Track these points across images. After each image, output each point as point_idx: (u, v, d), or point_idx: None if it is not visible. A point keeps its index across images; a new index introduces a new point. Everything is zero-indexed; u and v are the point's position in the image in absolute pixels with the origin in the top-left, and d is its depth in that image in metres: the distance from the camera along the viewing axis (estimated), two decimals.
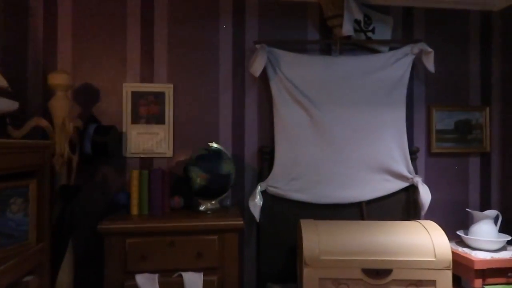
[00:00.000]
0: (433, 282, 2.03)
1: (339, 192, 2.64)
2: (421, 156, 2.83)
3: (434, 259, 2.04)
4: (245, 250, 2.68)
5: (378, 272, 2.04)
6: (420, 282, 2.04)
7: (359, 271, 2.04)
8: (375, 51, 2.77)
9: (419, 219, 2.67)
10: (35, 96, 2.47)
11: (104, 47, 2.57)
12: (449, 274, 2.02)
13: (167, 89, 2.60)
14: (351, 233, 2.16)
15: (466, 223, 2.79)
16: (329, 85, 2.64)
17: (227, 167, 2.35)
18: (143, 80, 2.60)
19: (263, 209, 2.58)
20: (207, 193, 2.37)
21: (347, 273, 2.04)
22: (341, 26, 2.59)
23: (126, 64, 2.59)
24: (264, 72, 2.60)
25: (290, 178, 2.60)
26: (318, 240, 2.10)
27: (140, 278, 2.09)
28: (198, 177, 2.30)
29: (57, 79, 2.19)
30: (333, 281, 2.05)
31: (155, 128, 2.60)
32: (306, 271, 2.05)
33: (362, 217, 2.68)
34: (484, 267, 2.33)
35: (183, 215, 2.31)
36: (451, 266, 2.03)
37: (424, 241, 2.09)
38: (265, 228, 2.61)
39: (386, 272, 2.04)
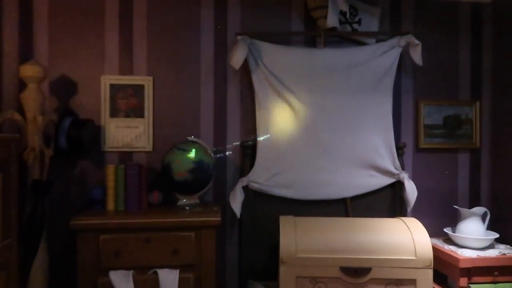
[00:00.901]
0: (413, 281, 1.97)
1: (322, 188, 2.57)
2: (409, 151, 2.76)
3: (414, 257, 1.98)
4: (227, 247, 2.63)
5: (357, 271, 1.98)
6: (400, 281, 1.98)
7: (337, 270, 1.98)
8: (361, 43, 2.70)
9: (405, 216, 2.61)
10: (10, 89, 2.41)
11: (81, 38, 2.50)
12: (429, 273, 1.96)
13: (147, 81, 2.54)
14: (330, 231, 2.10)
15: (454, 220, 2.72)
16: (312, 78, 2.56)
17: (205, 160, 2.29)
18: (121, 72, 2.54)
19: (245, 205, 2.52)
20: (186, 187, 2.32)
21: (325, 271, 1.98)
22: (325, 17, 2.51)
23: (104, 56, 2.52)
24: (247, 64, 2.53)
25: (272, 174, 2.54)
26: (296, 237, 2.04)
27: (114, 275, 2.04)
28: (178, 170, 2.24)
29: (29, 70, 2.13)
30: (311, 280, 2.00)
31: (135, 121, 2.54)
32: (282, 269, 2.00)
33: (346, 214, 2.61)
34: (470, 266, 2.26)
35: (160, 210, 2.25)
36: (432, 265, 1.97)
37: (405, 239, 2.02)
38: (247, 224, 2.55)
39: (365, 270, 1.98)
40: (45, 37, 2.47)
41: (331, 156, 2.57)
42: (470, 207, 2.73)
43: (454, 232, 2.52)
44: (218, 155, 2.60)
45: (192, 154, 2.30)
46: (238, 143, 2.62)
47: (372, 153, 2.59)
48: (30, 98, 2.13)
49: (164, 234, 2.11)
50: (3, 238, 1.78)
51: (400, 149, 2.67)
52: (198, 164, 2.30)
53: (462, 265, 2.25)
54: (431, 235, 2.67)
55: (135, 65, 2.55)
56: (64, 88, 2.48)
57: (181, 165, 2.26)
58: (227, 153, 2.62)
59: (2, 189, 1.76)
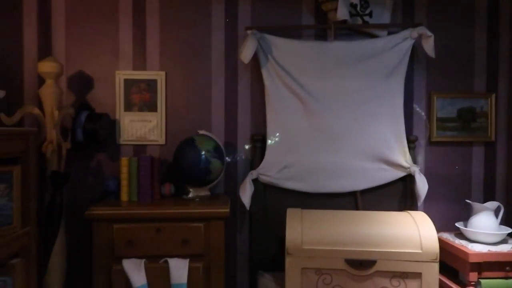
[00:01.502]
0: (418, 275, 1.97)
1: (332, 181, 2.59)
2: (421, 145, 2.73)
3: (420, 251, 1.98)
4: (238, 238, 2.69)
5: (362, 263, 2.00)
6: (405, 274, 1.98)
7: (342, 262, 2.01)
8: (373, 36, 2.67)
9: (416, 209, 2.59)
10: (30, 85, 2.53)
11: (97, 35, 2.59)
12: (435, 267, 1.96)
13: (159, 76, 2.61)
14: (336, 223, 2.12)
15: (467, 214, 2.67)
16: (323, 71, 2.57)
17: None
18: (135, 67, 2.61)
19: (255, 197, 2.56)
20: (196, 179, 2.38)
21: (330, 263, 2.01)
22: (335, 10, 2.50)
23: (118, 52, 2.60)
24: (257, 58, 2.56)
25: (282, 166, 2.57)
26: (302, 229, 2.08)
27: (126, 263, 2.13)
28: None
29: (46, 67, 2.23)
30: (316, 271, 2.03)
31: (148, 115, 2.61)
32: (288, 261, 2.04)
33: (356, 207, 2.62)
34: (480, 260, 2.24)
35: (171, 202, 2.33)
36: (437, 259, 1.96)
37: (411, 232, 2.03)
38: (257, 216, 2.60)
39: (370, 263, 2.00)
40: (63, 35, 2.57)
41: (341, 149, 2.58)
42: (484, 201, 2.68)
43: (466, 226, 2.49)
44: (229, 148, 2.65)
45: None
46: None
47: (383, 147, 2.58)
48: (48, 93, 2.23)
49: (175, 225, 2.18)
50: (23, 226, 1.89)
51: (411, 142, 2.64)
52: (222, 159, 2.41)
53: (472, 259, 2.23)
54: (443, 229, 2.67)
55: (148, 60, 2.62)
56: (81, 83, 2.58)
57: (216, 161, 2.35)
58: (237, 145, 2.66)
59: (21, 180, 1.86)
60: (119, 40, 2.60)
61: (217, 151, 2.36)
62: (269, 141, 2.57)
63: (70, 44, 2.57)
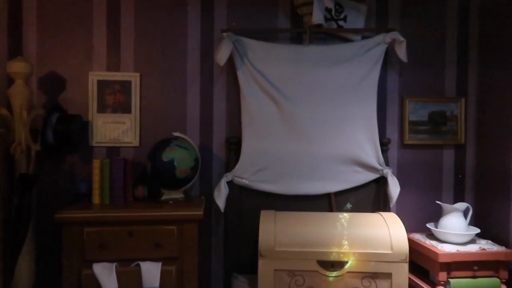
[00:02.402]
0: (389, 275, 2.00)
1: (307, 183, 2.61)
2: (394, 147, 2.78)
3: (390, 251, 2.01)
4: (212, 241, 2.67)
5: (333, 264, 2.02)
6: (376, 274, 2.01)
7: (314, 263, 2.02)
8: (347, 40, 2.72)
9: (389, 211, 2.64)
10: None
11: (70, 35, 2.55)
12: (405, 267, 2.00)
13: (134, 77, 2.58)
14: (309, 225, 2.14)
15: (438, 215, 2.73)
16: (297, 74, 2.59)
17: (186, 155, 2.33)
18: (109, 68, 2.58)
19: (231, 200, 2.56)
20: (182, 183, 2.37)
21: (303, 264, 2.02)
22: (311, 14, 2.53)
23: (92, 52, 2.57)
24: (233, 61, 2.56)
25: (256, 169, 2.57)
26: (275, 231, 2.08)
27: (97, 267, 2.10)
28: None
29: (15, 67, 2.18)
30: (289, 273, 2.04)
31: (122, 117, 2.58)
32: (261, 262, 2.04)
33: (331, 209, 2.65)
34: (449, 260, 2.29)
35: (144, 205, 2.30)
36: (407, 259, 2.00)
37: (382, 233, 2.06)
38: (232, 218, 2.60)
39: (342, 264, 2.02)
40: (34, 34, 2.51)
41: (316, 152, 2.60)
42: (454, 203, 2.75)
43: (436, 227, 2.54)
44: (204, 151, 2.64)
45: (193, 151, 2.35)
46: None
47: (356, 149, 2.62)
48: (17, 93, 2.17)
49: (147, 228, 2.15)
50: None
51: (384, 145, 2.69)
52: (197, 161, 2.37)
53: (442, 259, 2.28)
54: (415, 230, 2.72)
55: (122, 61, 2.59)
56: (52, 84, 2.53)
57: (185, 162, 2.31)
58: (213, 148, 2.66)
59: None
60: (92, 41, 2.56)
61: (191, 153, 2.35)
62: (244, 144, 2.57)
63: (42, 43, 2.52)
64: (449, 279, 2.31)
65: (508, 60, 2.52)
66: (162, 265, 2.14)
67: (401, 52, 2.62)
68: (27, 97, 2.22)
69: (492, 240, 2.53)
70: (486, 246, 2.40)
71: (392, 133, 2.79)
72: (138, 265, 2.12)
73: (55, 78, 2.53)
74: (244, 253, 2.58)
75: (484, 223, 2.67)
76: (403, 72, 2.78)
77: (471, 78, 2.83)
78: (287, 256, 2.03)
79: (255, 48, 2.57)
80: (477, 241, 2.49)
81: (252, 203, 2.59)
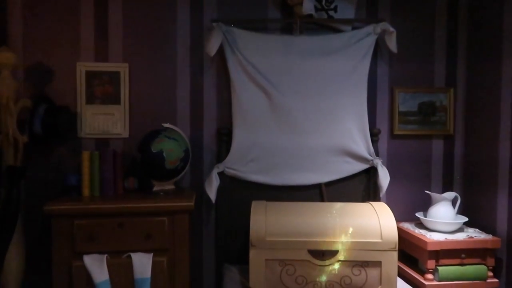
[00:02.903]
0: (378, 263, 2.03)
1: (298, 174, 2.62)
2: (384, 138, 2.80)
3: (380, 240, 2.03)
4: (204, 232, 2.68)
5: (324, 253, 2.03)
6: (366, 263, 2.03)
7: (305, 252, 2.04)
8: (338, 31, 2.71)
9: (379, 200, 2.66)
10: None
11: (56, 25, 2.50)
12: (394, 255, 2.02)
13: (122, 68, 2.55)
14: (299, 215, 2.15)
15: (427, 205, 2.77)
16: (288, 65, 2.59)
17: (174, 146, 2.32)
18: (97, 59, 2.54)
19: (222, 191, 2.56)
20: (172, 175, 2.36)
21: (294, 254, 2.04)
22: (301, 4, 2.52)
23: (79, 43, 2.53)
24: (223, 52, 2.54)
25: (248, 160, 2.58)
26: (266, 221, 2.09)
27: (87, 259, 2.08)
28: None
29: (1, 57, 2.13)
30: (280, 262, 2.05)
31: (111, 108, 2.56)
32: (252, 252, 2.05)
33: (322, 199, 2.66)
34: (438, 248, 2.32)
35: (134, 196, 2.29)
36: (396, 248, 2.03)
37: (371, 222, 2.08)
38: (223, 209, 2.60)
39: (332, 253, 2.04)
40: (20, 24, 2.46)
41: (307, 143, 2.61)
42: (443, 192, 2.78)
43: (425, 216, 2.58)
44: (195, 142, 2.63)
45: (182, 142, 2.33)
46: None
47: (347, 140, 2.63)
48: (3, 84, 2.13)
49: (137, 219, 2.14)
50: None
51: (374, 135, 2.71)
52: (187, 152, 2.36)
53: (430, 248, 2.31)
54: (404, 219, 2.76)
55: (110, 51, 2.56)
56: (39, 75, 2.49)
57: (174, 153, 2.29)
58: (204, 139, 2.65)
59: None
60: (80, 30, 2.52)
61: (181, 144, 2.34)
62: (235, 135, 2.57)
63: (28, 33, 2.47)
64: (437, 267, 2.35)
65: (497, 51, 2.54)
66: (153, 256, 2.13)
67: (391, 43, 2.62)
68: (14, 88, 2.18)
69: (479, 229, 2.57)
70: (474, 234, 2.44)
71: (382, 124, 2.80)
72: (129, 256, 2.12)
73: (42, 69, 2.49)
74: (236, 244, 2.59)
75: (472, 212, 2.71)
76: (393, 63, 2.79)
77: (460, 69, 2.85)
78: (278, 246, 2.04)
79: (245, 39, 2.56)
80: (465, 230, 2.53)
81: (242, 194, 2.59)
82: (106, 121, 2.55)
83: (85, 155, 2.29)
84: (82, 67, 2.51)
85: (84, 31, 2.53)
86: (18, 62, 2.22)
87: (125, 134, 2.56)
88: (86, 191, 2.30)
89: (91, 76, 2.52)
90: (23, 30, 2.47)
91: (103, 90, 2.54)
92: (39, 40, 2.48)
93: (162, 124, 2.43)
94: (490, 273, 2.38)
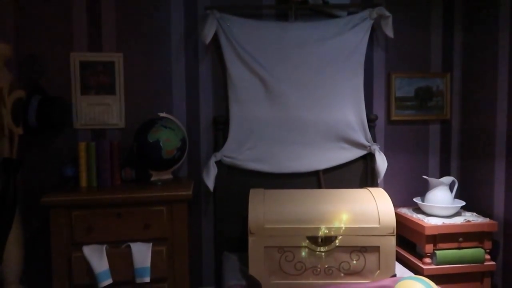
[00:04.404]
0: (377, 248, 2.04)
1: (295, 161, 2.61)
2: (381, 123, 2.80)
3: (378, 225, 2.04)
4: (202, 220, 2.68)
5: (323, 240, 2.04)
6: (364, 248, 2.05)
7: (304, 239, 2.04)
8: (333, 16, 2.69)
9: (377, 186, 2.67)
10: None
11: (49, 15, 2.46)
12: (392, 240, 2.03)
13: (117, 58, 2.52)
14: (298, 202, 2.15)
15: (425, 190, 2.78)
16: (284, 52, 2.56)
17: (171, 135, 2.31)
18: (91, 49, 2.51)
19: (220, 179, 2.56)
20: (169, 164, 2.36)
21: (292, 241, 2.04)
22: None
23: (73, 33, 2.49)
24: (218, 39, 2.52)
25: (245, 148, 2.57)
26: (264, 208, 2.09)
27: (87, 249, 2.09)
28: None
29: None
30: (279, 249, 2.06)
31: (106, 98, 2.53)
32: (251, 240, 2.06)
33: (319, 186, 2.67)
34: (435, 233, 2.34)
35: (132, 186, 2.29)
36: (394, 232, 2.04)
37: (369, 208, 2.09)
38: (221, 198, 2.60)
39: (331, 239, 2.05)
40: (12, 14, 2.42)
41: (303, 129, 2.60)
42: (440, 177, 2.79)
43: (423, 201, 2.59)
44: (191, 131, 2.62)
45: (179, 131, 2.32)
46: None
47: (344, 126, 2.62)
48: None
49: (136, 209, 2.14)
50: None
51: (371, 121, 2.70)
52: (183, 141, 2.35)
53: (428, 232, 2.33)
54: (402, 204, 2.77)
55: (104, 41, 2.52)
56: (33, 66, 2.46)
57: (171, 143, 2.28)
58: (200, 128, 2.64)
59: None
60: (72, 20, 2.49)
61: (177, 134, 2.33)
62: (231, 123, 2.56)
63: (20, 24, 2.43)
64: (435, 251, 2.37)
65: (492, 35, 2.52)
66: (153, 245, 2.14)
67: (387, 28, 2.61)
68: (7, 80, 2.15)
69: (476, 212, 2.59)
70: (471, 218, 2.46)
71: (379, 110, 2.80)
72: (129, 246, 2.12)
73: (35, 59, 2.46)
74: (234, 232, 2.60)
75: (469, 196, 2.72)
76: (389, 48, 2.77)
77: (456, 53, 2.84)
78: (277, 233, 2.04)
79: (240, 25, 2.53)
80: (462, 214, 2.55)
81: (240, 182, 2.59)
82: (101, 112, 2.53)
83: (81, 146, 2.28)
84: (76, 57, 2.49)
85: (76, 20, 2.49)
86: (10, 53, 2.18)
87: (121, 124, 2.55)
88: (83, 182, 2.29)
89: (85, 66, 2.50)
90: (15, 21, 2.43)
91: (97, 80, 2.51)
92: (32, 30, 2.44)
93: (158, 114, 2.42)
94: (488, 256, 2.40)
